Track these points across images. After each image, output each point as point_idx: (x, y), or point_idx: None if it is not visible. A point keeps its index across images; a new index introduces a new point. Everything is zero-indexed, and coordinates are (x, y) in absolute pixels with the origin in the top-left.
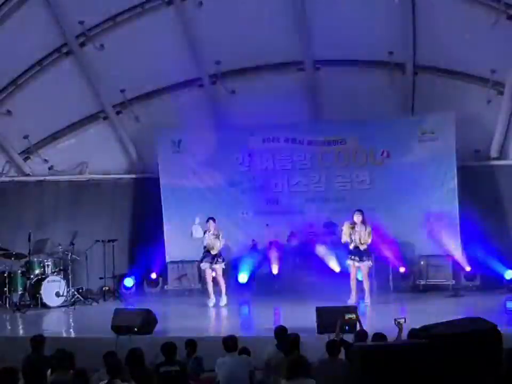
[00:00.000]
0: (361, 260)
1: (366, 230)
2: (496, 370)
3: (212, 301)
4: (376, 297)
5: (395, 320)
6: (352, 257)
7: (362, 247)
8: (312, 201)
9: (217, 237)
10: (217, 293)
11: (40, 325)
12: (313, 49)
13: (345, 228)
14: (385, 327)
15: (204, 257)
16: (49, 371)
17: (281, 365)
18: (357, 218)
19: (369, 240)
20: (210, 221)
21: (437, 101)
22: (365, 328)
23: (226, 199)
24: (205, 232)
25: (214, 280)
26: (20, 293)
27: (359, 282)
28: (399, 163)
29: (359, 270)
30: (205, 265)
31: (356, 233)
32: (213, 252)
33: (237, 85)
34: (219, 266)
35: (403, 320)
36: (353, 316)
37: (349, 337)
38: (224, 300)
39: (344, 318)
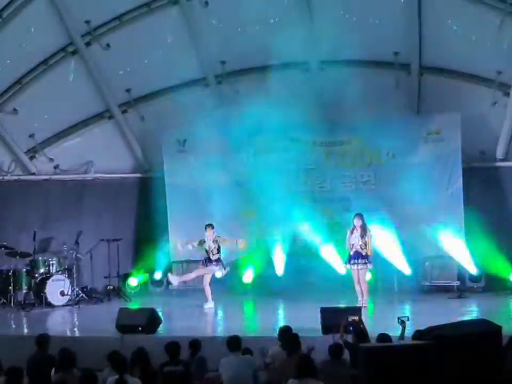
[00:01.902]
0: (361, 264)
1: (366, 235)
2: (501, 371)
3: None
4: (381, 298)
5: (398, 318)
6: (352, 261)
7: (363, 252)
8: (317, 201)
9: (214, 241)
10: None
11: (44, 324)
12: (318, 49)
13: (347, 236)
14: (389, 327)
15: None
16: (53, 370)
17: (285, 364)
18: (357, 222)
19: (370, 245)
20: (208, 228)
21: (443, 102)
22: (368, 328)
23: (231, 198)
24: (204, 241)
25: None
26: (24, 291)
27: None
28: (404, 163)
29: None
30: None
31: (356, 238)
32: (213, 258)
33: (242, 84)
34: (206, 273)
35: (406, 318)
36: (357, 317)
37: None
38: (208, 304)
39: (348, 320)
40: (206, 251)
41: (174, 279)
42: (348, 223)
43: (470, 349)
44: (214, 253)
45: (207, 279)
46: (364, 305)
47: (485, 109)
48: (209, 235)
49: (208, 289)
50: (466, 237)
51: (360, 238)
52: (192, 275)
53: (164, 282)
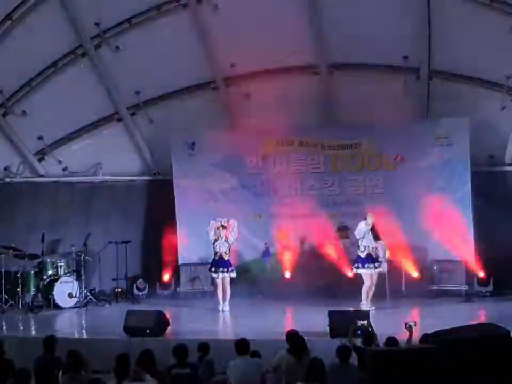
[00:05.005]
0: (376, 267)
1: (377, 237)
2: (508, 375)
3: (221, 306)
4: (388, 302)
5: (406, 324)
6: (367, 265)
7: (374, 254)
8: (325, 204)
9: (227, 239)
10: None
11: (52, 326)
12: (327, 53)
13: (362, 227)
14: (397, 331)
15: (215, 264)
16: (60, 372)
17: (292, 368)
18: (372, 221)
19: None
20: (221, 227)
21: (451, 106)
22: (376, 332)
23: (239, 201)
24: (216, 240)
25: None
26: (32, 293)
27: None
28: (412, 167)
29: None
30: (215, 275)
31: (370, 241)
32: (226, 258)
33: (251, 88)
34: (227, 276)
35: (414, 324)
36: (365, 322)
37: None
38: (226, 306)
39: (357, 325)
40: (216, 252)
41: None
42: (356, 226)
43: (477, 353)
44: (227, 253)
45: (228, 281)
46: (372, 308)
47: (494, 114)
48: (227, 233)
49: (228, 291)
50: (474, 241)
51: (374, 241)
52: (227, 291)
53: (172, 285)
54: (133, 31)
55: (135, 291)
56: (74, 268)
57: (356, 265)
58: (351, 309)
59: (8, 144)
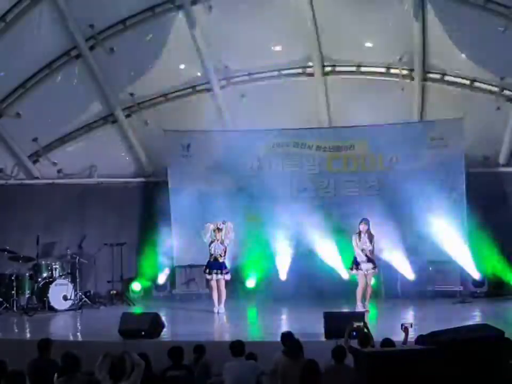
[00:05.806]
0: (371, 268)
1: (373, 239)
2: (503, 376)
3: (216, 308)
4: (384, 303)
5: (402, 325)
6: (362, 266)
7: (371, 256)
8: (320, 206)
9: (223, 242)
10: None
11: (47, 329)
12: (322, 54)
13: (354, 240)
14: (392, 332)
15: (210, 266)
16: (55, 375)
17: (288, 370)
18: (363, 227)
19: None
20: (216, 229)
21: (446, 107)
22: (372, 333)
23: (234, 203)
24: (211, 242)
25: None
26: (27, 296)
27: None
28: (407, 169)
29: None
30: (209, 276)
31: (365, 243)
32: (220, 260)
33: (246, 89)
34: (221, 278)
35: (409, 325)
36: (361, 323)
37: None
38: (222, 308)
39: (353, 326)
40: (211, 254)
41: None
42: (352, 228)
43: (472, 354)
44: (222, 255)
45: (223, 283)
46: (366, 309)
47: (488, 115)
48: (223, 235)
49: (223, 293)
50: (469, 242)
51: (369, 243)
52: (222, 293)
53: (167, 287)
54: (127, 32)
55: (130, 293)
56: (69, 270)
57: (352, 266)
58: (346, 310)
59: (2, 146)
